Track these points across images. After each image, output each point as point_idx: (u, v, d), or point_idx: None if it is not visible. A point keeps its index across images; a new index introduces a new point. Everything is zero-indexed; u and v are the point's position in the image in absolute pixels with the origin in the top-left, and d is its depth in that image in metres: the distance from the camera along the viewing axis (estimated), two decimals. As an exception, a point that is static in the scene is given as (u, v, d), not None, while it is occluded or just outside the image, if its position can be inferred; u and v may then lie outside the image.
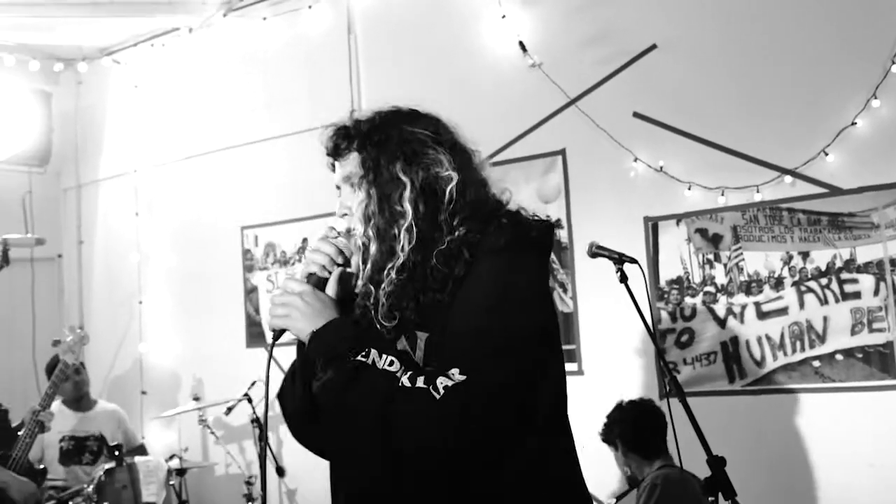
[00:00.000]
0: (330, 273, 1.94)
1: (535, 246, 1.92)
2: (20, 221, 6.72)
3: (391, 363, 1.82)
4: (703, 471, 3.01)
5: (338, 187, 2.01)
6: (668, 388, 3.01)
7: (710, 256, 4.35)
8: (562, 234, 4.73)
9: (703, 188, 4.33)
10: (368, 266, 1.90)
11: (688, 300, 4.39)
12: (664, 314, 4.45)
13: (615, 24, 4.65)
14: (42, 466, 4.62)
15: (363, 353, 1.83)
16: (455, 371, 1.76)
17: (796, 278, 4.13)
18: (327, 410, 1.92)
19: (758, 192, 4.19)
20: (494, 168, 4.73)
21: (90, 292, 7.05)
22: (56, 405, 5.62)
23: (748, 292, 4.24)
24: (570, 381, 4.54)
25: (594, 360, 4.65)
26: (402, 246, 1.87)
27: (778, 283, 4.17)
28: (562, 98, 4.71)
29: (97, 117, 6.99)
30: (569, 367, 4.63)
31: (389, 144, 1.95)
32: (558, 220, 4.73)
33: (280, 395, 2.07)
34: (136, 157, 6.61)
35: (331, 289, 1.96)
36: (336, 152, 2.00)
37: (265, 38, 5.91)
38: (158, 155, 6.49)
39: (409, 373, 1.81)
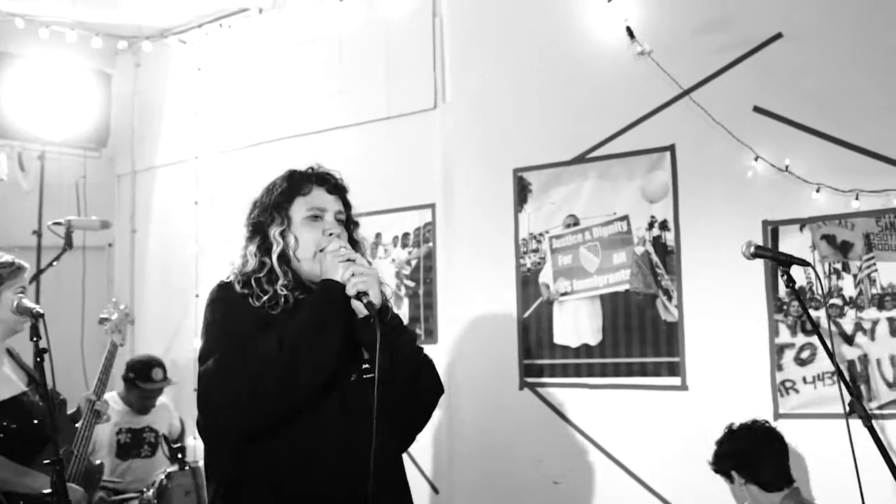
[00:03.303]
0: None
1: None
2: (73, 207, 6.47)
3: None
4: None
5: (321, 210, 2.61)
6: (847, 409, 2.64)
7: (838, 266, 3.96)
8: (668, 238, 4.36)
9: (833, 191, 3.94)
10: None
11: (811, 313, 3.99)
12: (783, 327, 4.07)
13: (735, 9, 4.26)
14: (99, 462, 4.31)
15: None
16: None
17: (940, 293, 3.75)
18: (406, 361, 2.57)
19: (898, 196, 3.81)
20: (595, 164, 4.48)
21: (143, 284, 6.77)
22: (111, 396, 5.37)
23: (881, 307, 3.85)
24: (673, 397, 4.25)
25: (700, 375, 4.27)
26: None
27: (918, 298, 3.79)
28: (673, 89, 4.33)
29: (156, 101, 6.71)
30: (671, 381, 4.33)
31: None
32: (664, 222, 4.37)
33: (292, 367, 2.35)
34: (198, 143, 6.29)
35: None
36: (338, 191, 2.69)
37: (341, 21, 5.57)
38: (222, 142, 6.18)
39: None
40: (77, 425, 3.94)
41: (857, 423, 3.47)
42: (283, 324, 2.42)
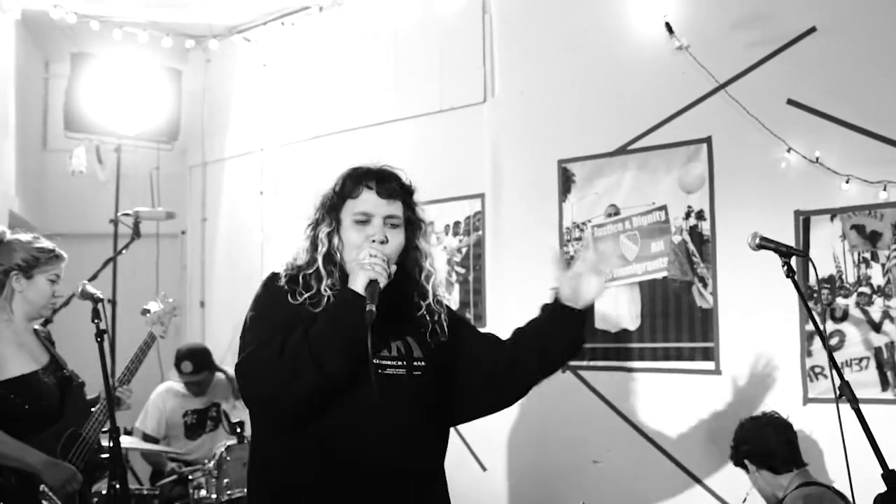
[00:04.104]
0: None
1: None
2: (147, 197, 6.81)
3: None
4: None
5: (367, 215, 2.54)
6: (837, 394, 2.77)
7: (867, 255, 4.07)
8: (704, 227, 4.51)
9: (863, 182, 4.05)
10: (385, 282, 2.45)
11: (839, 301, 4.12)
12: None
13: (770, 4, 4.39)
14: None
15: None
16: None
17: (965, 282, 3.84)
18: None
19: (925, 188, 3.90)
20: (635, 155, 4.62)
21: (212, 270, 7.09)
22: (177, 384, 5.68)
23: (909, 295, 3.96)
24: (707, 380, 4.37)
25: (733, 360, 4.41)
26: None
27: (944, 287, 3.88)
28: (709, 83, 4.47)
29: (224, 95, 7.01)
30: (706, 365, 4.45)
31: (419, 214, 2.67)
32: (701, 212, 4.51)
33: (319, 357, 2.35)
34: (263, 135, 6.59)
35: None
36: (391, 194, 2.56)
37: (397, 17, 5.82)
38: (285, 134, 6.46)
39: None
40: (93, 409, 3.87)
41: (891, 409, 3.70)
42: (313, 321, 2.44)
